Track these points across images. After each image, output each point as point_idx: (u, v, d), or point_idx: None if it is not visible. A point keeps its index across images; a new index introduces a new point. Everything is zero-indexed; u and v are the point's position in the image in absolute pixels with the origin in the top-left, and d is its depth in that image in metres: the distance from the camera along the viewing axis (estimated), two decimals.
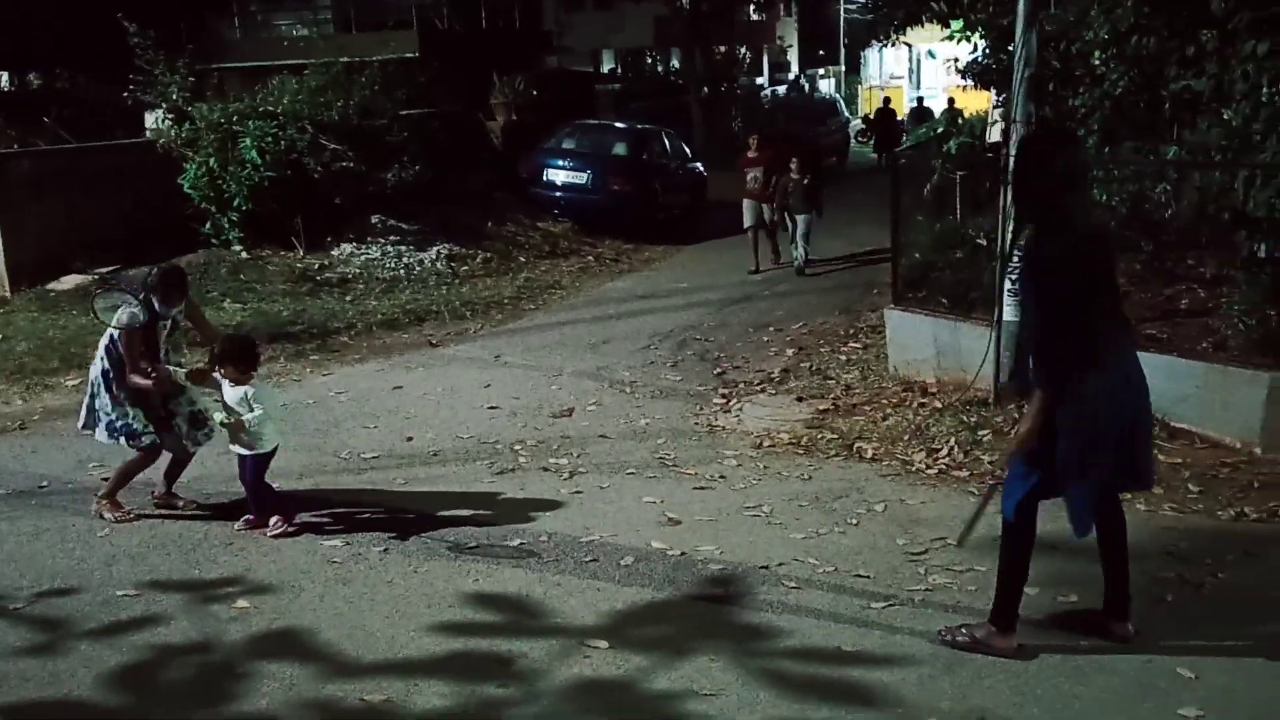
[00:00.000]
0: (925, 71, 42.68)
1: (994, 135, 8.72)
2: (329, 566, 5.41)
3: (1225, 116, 6.93)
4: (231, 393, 5.79)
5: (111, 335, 5.96)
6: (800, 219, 13.76)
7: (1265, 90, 6.69)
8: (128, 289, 6.04)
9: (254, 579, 5.29)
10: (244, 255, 12.76)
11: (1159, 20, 7.28)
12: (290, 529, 5.80)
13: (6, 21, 19.32)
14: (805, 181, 13.83)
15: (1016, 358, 4.20)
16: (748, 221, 14.37)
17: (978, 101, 24.16)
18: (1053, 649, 4.36)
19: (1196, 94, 7.22)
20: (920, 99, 28.79)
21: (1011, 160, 4.27)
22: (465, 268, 13.62)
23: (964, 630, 4.38)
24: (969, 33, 10.11)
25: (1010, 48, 9.37)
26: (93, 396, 6.07)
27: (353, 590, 5.14)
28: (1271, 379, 6.20)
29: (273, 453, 5.94)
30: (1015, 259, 4.15)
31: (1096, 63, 7.63)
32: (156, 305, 5.87)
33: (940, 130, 11.43)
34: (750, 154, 14.54)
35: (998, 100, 12.26)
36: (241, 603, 5.02)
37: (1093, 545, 4.68)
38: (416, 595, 5.07)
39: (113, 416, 5.98)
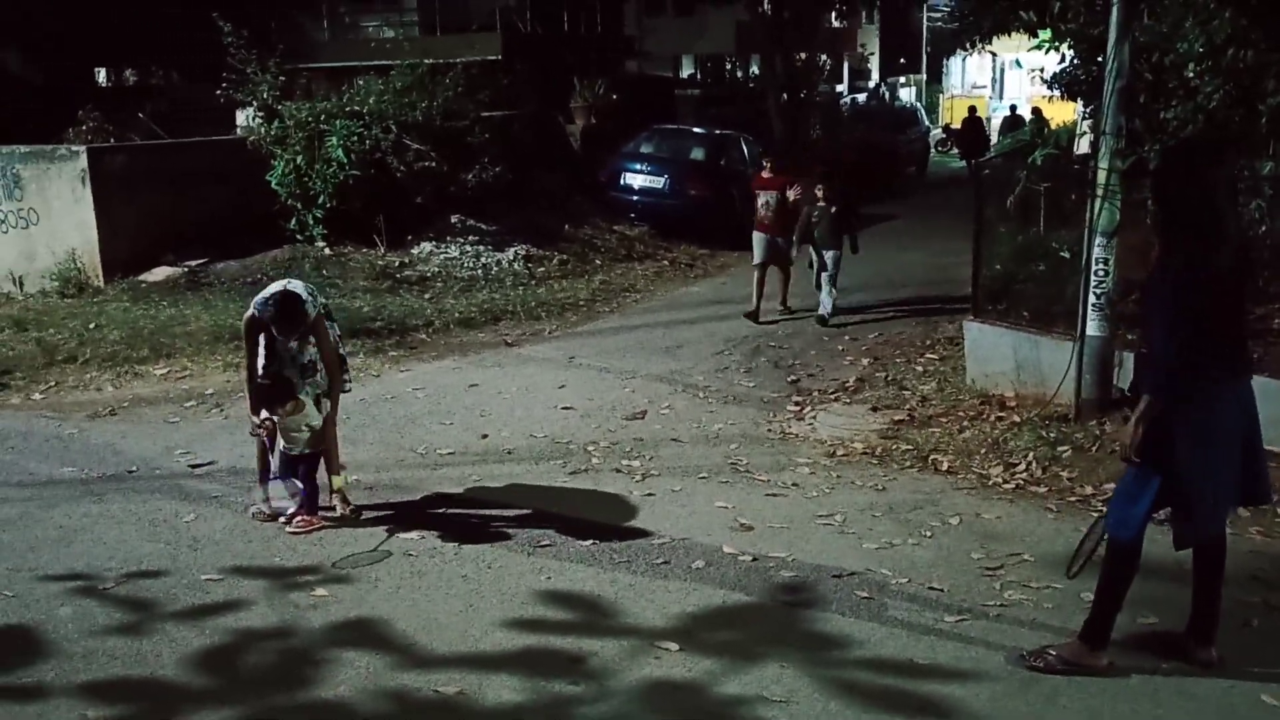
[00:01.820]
0: (1009, 81, 42.12)
1: (1082, 147, 8.56)
2: (405, 559, 5.50)
3: None
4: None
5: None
6: (827, 256, 11.38)
7: None
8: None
9: (332, 569, 5.40)
10: (327, 251, 12.99)
11: (1257, 33, 7.11)
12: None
13: (104, 19, 19.89)
14: (834, 210, 11.39)
15: (1138, 368, 4.18)
16: (757, 258, 11.88)
17: (1064, 112, 23.82)
18: (1131, 670, 4.28)
19: None
20: (1014, 108, 28.47)
21: (1159, 171, 4.20)
22: (542, 269, 13.73)
23: (1052, 652, 4.32)
24: (1057, 43, 9.97)
25: (1100, 59, 9.24)
26: None
27: (427, 583, 5.23)
28: None
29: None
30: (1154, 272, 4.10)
31: (1190, 75, 7.48)
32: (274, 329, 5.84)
33: (1025, 140, 11.27)
34: (764, 174, 12.29)
35: (1085, 111, 12.06)
36: (320, 591, 5.13)
37: (1173, 565, 4.62)
38: (489, 590, 5.13)
39: None
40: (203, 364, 9.44)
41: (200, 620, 4.83)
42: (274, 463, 6.01)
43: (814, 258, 11.59)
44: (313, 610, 4.94)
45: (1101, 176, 6.84)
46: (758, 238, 11.89)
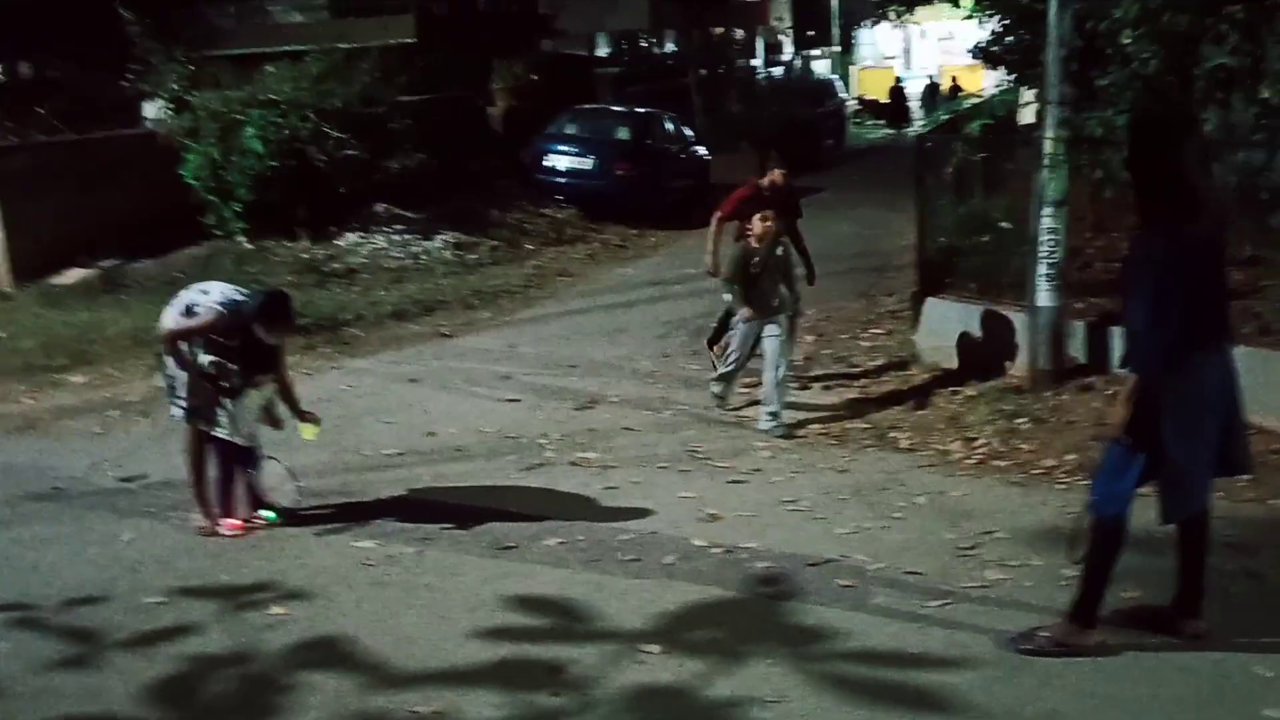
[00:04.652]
0: (917, 51, 42.65)
1: (1027, 116, 8.55)
2: (363, 570, 5.26)
3: (1263, 96, 6.78)
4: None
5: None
6: (779, 325, 7.30)
7: None
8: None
9: (286, 584, 5.13)
10: (248, 246, 12.56)
11: None
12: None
13: None
14: (780, 253, 7.39)
15: (1129, 343, 4.10)
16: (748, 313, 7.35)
17: (975, 82, 24.12)
18: (1122, 647, 4.22)
19: (1231, 72, 7.07)
20: (932, 78, 29.07)
21: (1132, 144, 4.13)
22: (472, 256, 13.44)
23: (1042, 633, 4.24)
24: (989, 12, 9.95)
25: (1024, 29, 9.24)
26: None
27: (390, 594, 5.00)
28: None
29: None
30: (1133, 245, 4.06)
31: (1126, 41, 7.48)
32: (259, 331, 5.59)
33: (960, 111, 11.27)
34: (764, 181, 8.10)
35: (1009, 80, 12.09)
36: (276, 609, 4.87)
37: (1149, 538, 4.56)
38: (457, 599, 4.92)
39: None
40: (125, 370, 9.03)
41: (150, 648, 4.54)
42: (213, 470, 5.77)
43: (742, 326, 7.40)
44: (270, 631, 4.68)
45: (1048, 146, 6.81)
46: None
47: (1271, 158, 6.75)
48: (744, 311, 7.31)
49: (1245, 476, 4.84)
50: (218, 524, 5.75)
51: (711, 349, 8.07)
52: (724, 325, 7.86)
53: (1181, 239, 3.92)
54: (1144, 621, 4.39)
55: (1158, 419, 3.98)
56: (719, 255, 8.03)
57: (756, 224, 7.26)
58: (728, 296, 7.65)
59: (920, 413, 7.23)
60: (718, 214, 8.23)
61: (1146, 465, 4.08)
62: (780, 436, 7.08)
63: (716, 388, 7.68)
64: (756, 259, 7.26)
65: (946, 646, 4.34)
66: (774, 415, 7.13)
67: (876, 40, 45.70)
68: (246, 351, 5.59)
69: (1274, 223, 6.79)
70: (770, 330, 7.30)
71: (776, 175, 8.12)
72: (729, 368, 7.54)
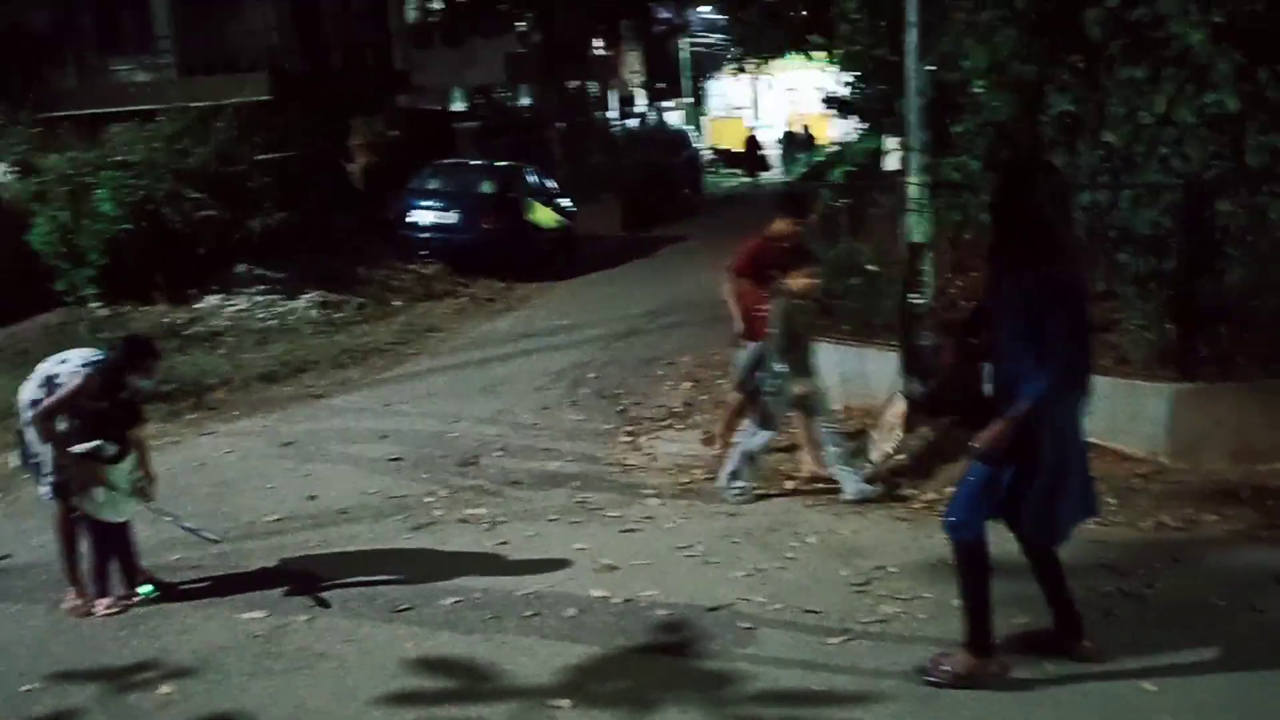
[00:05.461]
0: (765, 101, 43.94)
1: (891, 163, 8.87)
2: (253, 641, 5.07)
3: (1107, 140, 7.19)
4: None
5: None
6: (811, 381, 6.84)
7: (1144, 113, 6.98)
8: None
9: (172, 662, 4.91)
10: (103, 312, 12.09)
11: (1038, 46, 7.54)
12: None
13: None
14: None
15: (997, 379, 4.22)
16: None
17: (824, 130, 25.06)
18: (1020, 672, 4.34)
19: (1077, 118, 7.48)
20: (791, 128, 30.48)
21: (1000, 189, 4.30)
22: (339, 314, 13.21)
23: (945, 666, 4.33)
24: (846, 65, 10.32)
25: (878, 81, 9.63)
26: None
27: (284, 666, 4.83)
28: (1174, 390, 6.44)
29: None
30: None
31: (978, 89, 7.86)
32: (132, 377, 5.43)
33: (823, 160, 11.63)
34: (772, 231, 7.34)
35: (862, 128, 12.55)
36: (164, 689, 4.65)
37: (1024, 563, 4.72)
38: (356, 666, 4.78)
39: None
40: None
41: None
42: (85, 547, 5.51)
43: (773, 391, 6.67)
44: (160, 712, 4.47)
45: (913, 191, 7.08)
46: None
47: (1117, 198, 7.14)
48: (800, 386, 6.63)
49: (1095, 519, 4.97)
50: (92, 603, 5.49)
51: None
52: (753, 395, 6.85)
53: (1049, 279, 4.11)
54: (1036, 645, 4.53)
55: (1036, 449, 4.13)
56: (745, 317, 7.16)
57: (800, 281, 6.59)
58: (778, 368, 6.59)
59: (802, 452, 7.36)
60: (731, 272, 7.38)
61: (1008, 494, 4.21)
62: (866, 499, 6.48)
63: (743, 475, 6.72)
64: (804, 316, 6.75)
65: (852, 684, 4.40)
66: (858, 478, 6.56)
67: (726, 91, 46.82)
68: (115, 411, 5.41)
69: (1122, 259, 7.16)
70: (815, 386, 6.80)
71: (785, 224, 7.33)
72: (760, 442, 6.73)
